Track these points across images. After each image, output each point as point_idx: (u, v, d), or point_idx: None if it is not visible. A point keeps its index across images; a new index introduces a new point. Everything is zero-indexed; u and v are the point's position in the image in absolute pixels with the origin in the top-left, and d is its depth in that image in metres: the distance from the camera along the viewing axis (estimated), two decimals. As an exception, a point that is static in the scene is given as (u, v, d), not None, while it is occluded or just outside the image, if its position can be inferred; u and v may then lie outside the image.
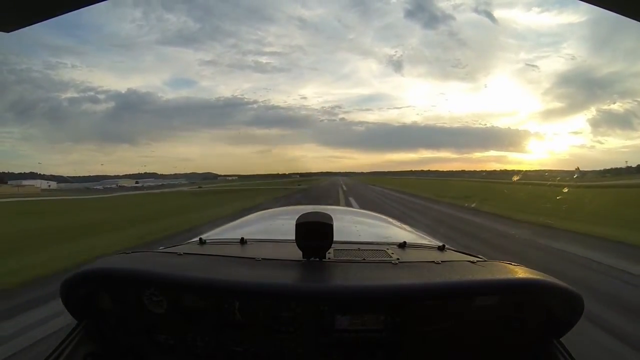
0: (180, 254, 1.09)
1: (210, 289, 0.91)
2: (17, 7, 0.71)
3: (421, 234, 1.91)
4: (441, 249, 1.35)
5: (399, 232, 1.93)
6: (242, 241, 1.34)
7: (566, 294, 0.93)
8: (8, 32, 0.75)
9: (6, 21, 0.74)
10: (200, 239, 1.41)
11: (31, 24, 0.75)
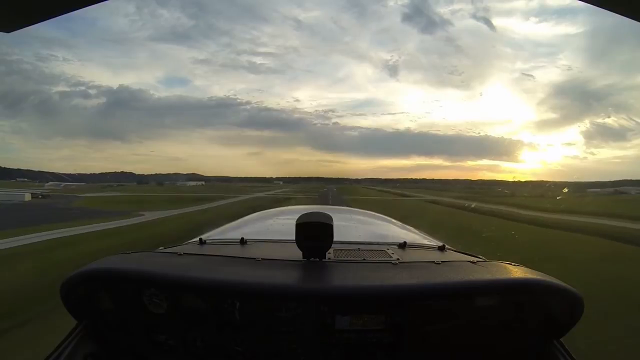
0: (180, 254, 1.09)
1: (210, 289, 0.91)
2: (17, 7, 0.71)
3: (421, 234, 1.91)
4: (441, 249, 1.35)
5: (399, 232, 1.93)
6: (242, 241, 1.34)
7: (566, 294, 0.93)
8: (8, 32, 0.75)
9: (6, 21, 0.74)
10: (201, 239, 1.41)
11: (32, 24, 0.75)
